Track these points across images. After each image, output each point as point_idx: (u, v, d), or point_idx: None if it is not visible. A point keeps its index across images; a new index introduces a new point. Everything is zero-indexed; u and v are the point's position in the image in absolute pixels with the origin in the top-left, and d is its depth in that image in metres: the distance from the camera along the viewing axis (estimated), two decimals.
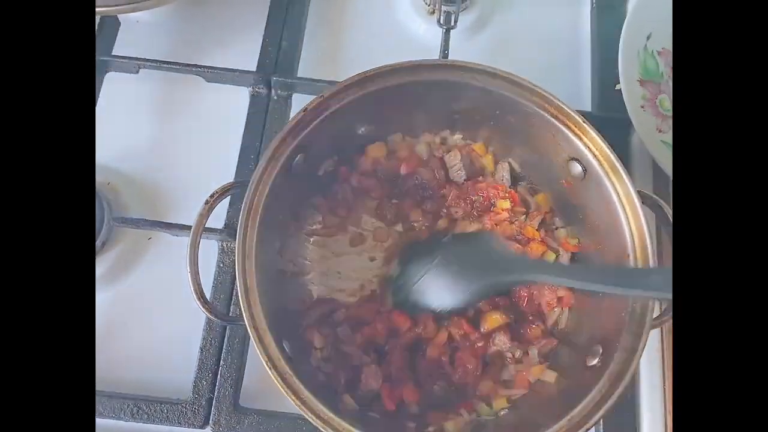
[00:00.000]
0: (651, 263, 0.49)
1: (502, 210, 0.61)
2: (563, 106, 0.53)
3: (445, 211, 0.62)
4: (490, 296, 0.58)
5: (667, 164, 0.69)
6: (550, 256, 0.61)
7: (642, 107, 0.73)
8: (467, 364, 0.57)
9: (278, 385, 0.46)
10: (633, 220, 0.51)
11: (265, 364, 0.47)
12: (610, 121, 0.73)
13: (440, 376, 0.58)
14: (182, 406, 0.62)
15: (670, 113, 0.75)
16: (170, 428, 0.62)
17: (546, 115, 0.54)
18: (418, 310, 0.58)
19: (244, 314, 0.47)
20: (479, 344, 0.58)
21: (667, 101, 0.76)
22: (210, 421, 0.62)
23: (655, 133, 0.72)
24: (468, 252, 0.58)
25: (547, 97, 0.53)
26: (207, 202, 0.52)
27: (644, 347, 0.47)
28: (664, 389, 0.65)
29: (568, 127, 0.53)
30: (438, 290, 0.57)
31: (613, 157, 0.52)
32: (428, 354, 0.58)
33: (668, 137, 0.72)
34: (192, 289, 0.51)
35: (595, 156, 0.53)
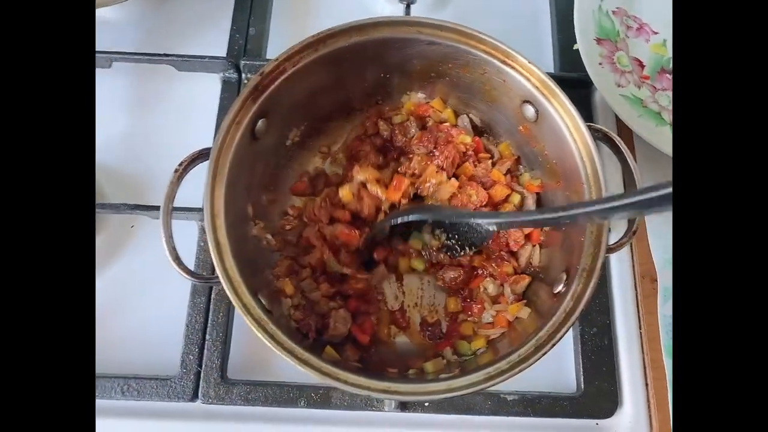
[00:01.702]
0: (602, 186, 0.51)
1: (463, 144, 0.63)
2: (509, 50, 0.55)
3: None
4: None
5: (627, 116, 0.71)
6: (515, 198, 0.63)
7: (600, 64, 0.75)
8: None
9: (254, 330, 0.48)
10: (583, 148, 0.53)
11: (240, 311, 0.48)
12: (573, 80, 0.76)
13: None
14: (171, 382, 0.63)
15: (629, 68, 0.78)
16: (161, 403, 0.63)
17: (494, 61, 0.56)
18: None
19: (216, 267, 0.49)
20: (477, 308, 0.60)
21: (624, 58, 0.78)
22: (199, 394, 0.63)
23: (614, 88, 0.75)
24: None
25: (493, 43, 0.56)
26: (176, 171, 0.54)
27: (602, 265, 0.49)
28: (641, 337, 0.66)
29: (516, 70, 0.56)
30: None
31: (558, 90, 0.54)
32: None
33: (627, 91, 0.75)
34: (167, 253, 0.52)
35: (543, 94, 0.55)
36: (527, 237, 0.60)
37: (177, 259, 0.52)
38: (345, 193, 0.63)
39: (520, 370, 0.46)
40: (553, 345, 0.46)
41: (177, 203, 0.55)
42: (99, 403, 0.63)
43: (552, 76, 0.55)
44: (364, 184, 0.64)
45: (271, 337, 0.47)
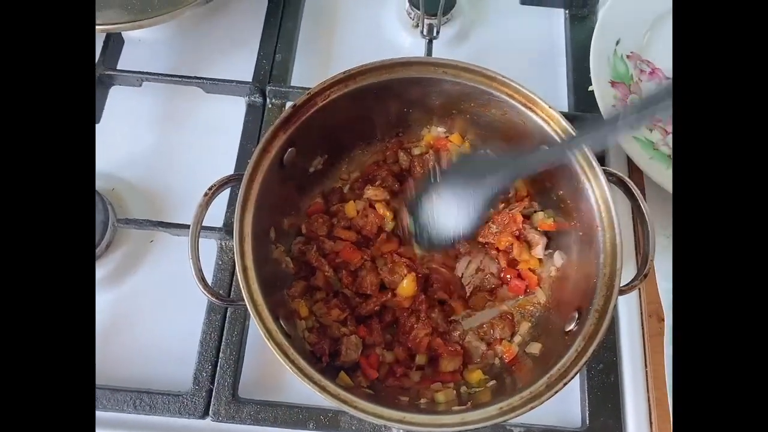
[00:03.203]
0: (616, 229, 0.53)
1: None
2: (531, 95, 0.58)
3: None
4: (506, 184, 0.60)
5: (638, 159, 0.73)
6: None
7: (614, 106, 0.78)
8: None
9: (276, 354, 0.49)
10: (598, 191, 0.55)
11: (263, 336, 0.49)
12: (586, 120, 0.78)
13: None
14: (183, 398, 0.64)
15: None
16: (171, 419, 0.64)
17: (516, 104, 0.58)
18: (447, 241, 0.61)
19: (243, 291, 0.50)
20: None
21: (637, 101, 0.81)
22: (210, 412, 0.64)
23: None
24: (462, 165, 0.62)
25: (516, 87, 0.58)
26: (206, 194, 0.56)
27: (614, 307, 0.51)
28: (647, 376, 0.67)
29: (537, 114, 0.58)
30: (456, 206, 0.59)
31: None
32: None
33: (639, 134, 0.77)
34: (194, 273, 0.54)
35: (561, 138, 0.57)
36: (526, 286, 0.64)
37: (203, 281, 0.53)
38: (349, 207, 0.66)
39: (532, 407, 0.47)
40: (565, 384, 0.48)
41: None
42: (111, 415, 0.64)
43: (566, 115, 0.57)
44: (371, 204, 0.66)
45: (293, 362, 0.49)
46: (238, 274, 0.51)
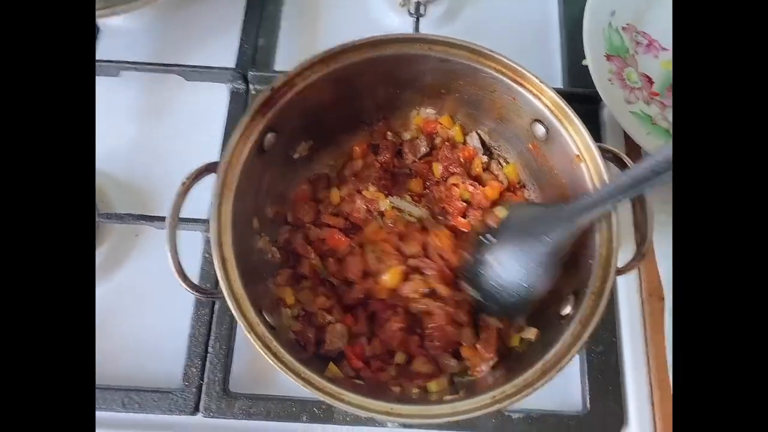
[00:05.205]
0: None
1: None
2: (520, 69, 0.55)
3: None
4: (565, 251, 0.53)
5: (636, 133, 0.71)
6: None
7: (609, 81, 0.75)
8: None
9: (258, 348, 0.47)
10: (593, 170, 0.53)
11: (244, 328, 0.48)
12: (582, 96, 0.76)
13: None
14: (173, 394, 0.63)
15: (638, 85, 0.77)
16: (162, 416, 0.63)
17: (505, 79, 0.56)
18: (520, 304, 0.56)
19: (221, 283, 0.48)
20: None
21: (634, 74, 0.78)
22: (201, 407, 0.62)
23: (623, 104, 0.74)
24: (512, 219, 0.57)
25: (505, 62, 0.55)
26: (183, 184, 0.54)
27: (610, 289, 0.48)
28: (648, 357, 0.66)
29: (527, 89, 0.55)
30: (517, 266, 0.54)
31: (569, 111, 0.54)
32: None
33: (636, 108, 0.75)
34: (172, 266, 0.52)
35: (554, 114, 0.55)
36: None
37: (182, 274, 0.51)
38: (333, 194, 0.64)
39: (526, 395, 0.45)
40: (560, 369, 0.46)
41: (182, 214, 0.54)
42: (99, 415, 0.63)
43: (560, 91, 0.55)
44: (359, 190, 0.64)
45: (274, 355, 0.47)
46: (216, 265, 0.49)
